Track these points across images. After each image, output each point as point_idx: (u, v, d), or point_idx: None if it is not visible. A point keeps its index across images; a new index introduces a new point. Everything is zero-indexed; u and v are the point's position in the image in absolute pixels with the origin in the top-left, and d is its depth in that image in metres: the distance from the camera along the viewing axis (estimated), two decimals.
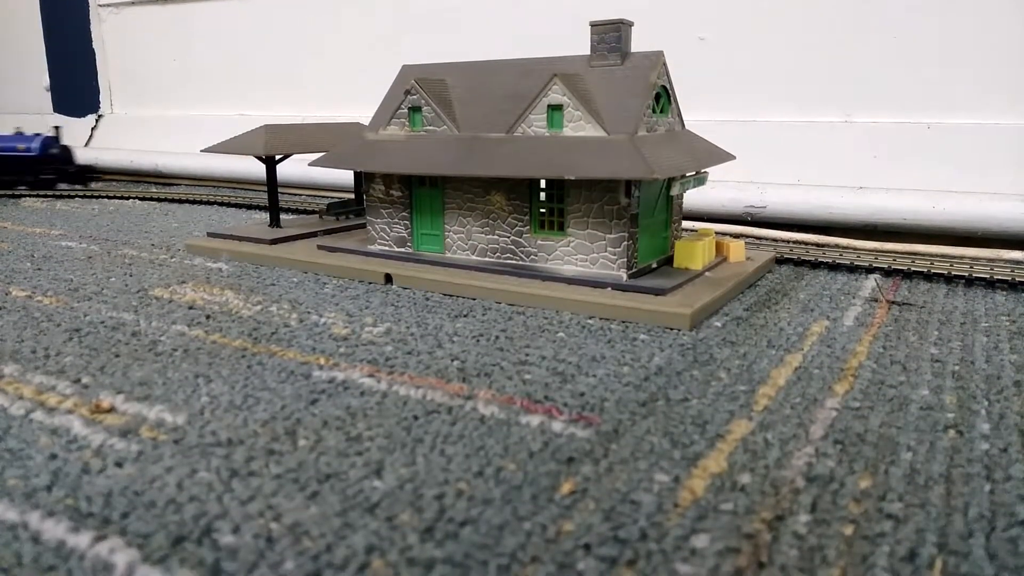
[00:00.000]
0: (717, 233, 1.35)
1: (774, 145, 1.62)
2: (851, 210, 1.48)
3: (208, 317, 0.98)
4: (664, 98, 1.10)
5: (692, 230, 1.30)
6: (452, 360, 0.82)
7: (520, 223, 1.12)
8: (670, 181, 1.09)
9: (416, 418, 0.67)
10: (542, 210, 1.10)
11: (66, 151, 2.46)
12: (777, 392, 0.73)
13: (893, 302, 1.06)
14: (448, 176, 1.15)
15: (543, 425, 0.66)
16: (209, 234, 1.45)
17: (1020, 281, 1.12)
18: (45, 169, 2.35)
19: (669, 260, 1.16)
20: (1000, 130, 1.41)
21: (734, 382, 0.76)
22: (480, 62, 1.22)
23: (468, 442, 0.62)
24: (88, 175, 2.54)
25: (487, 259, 1.15)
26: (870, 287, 1.14)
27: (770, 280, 1.19)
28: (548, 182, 1.09)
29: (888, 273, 1.22)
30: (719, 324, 0.96)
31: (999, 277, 1.14)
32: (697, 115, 1.63)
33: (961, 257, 1.30)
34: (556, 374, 0.78)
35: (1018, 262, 1.27)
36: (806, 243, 1.46)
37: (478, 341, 0.88)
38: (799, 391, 0.74)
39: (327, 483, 0.56)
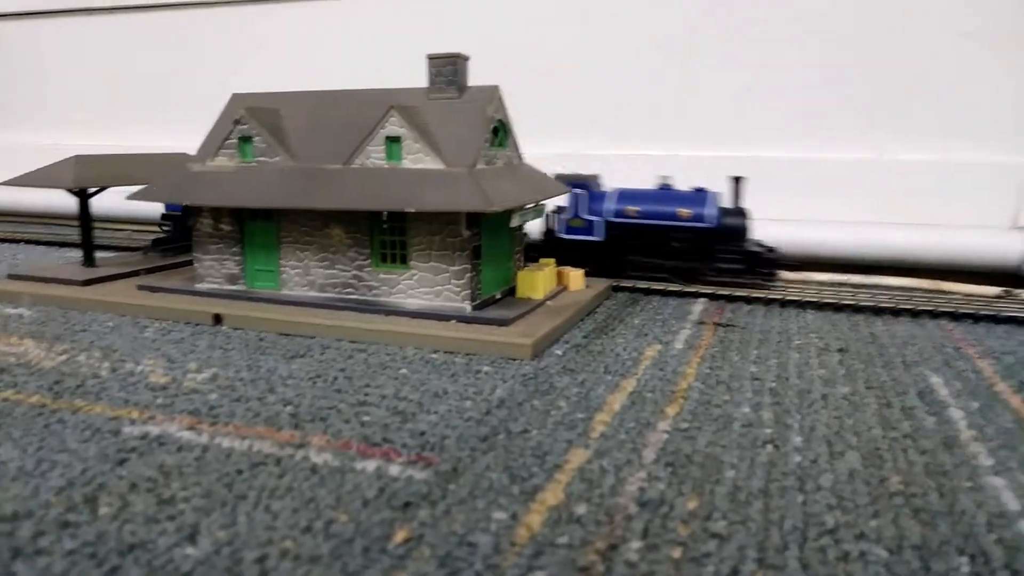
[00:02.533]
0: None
1: (608, 176, 1.69)
2: None
3: (1, 371, 0.87)
4: (502, 131, 1.12)
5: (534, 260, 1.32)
6: (284, 406, 0.77)
7: (361, 256, 1.09)
8: (510, 213, 1.10)
9: (240, 472, 0.62)
10: (383, 242, 1.08)
11: None
12: (613, 418, 0.75)
13: (719, 324, 1.13)
14: (283, 209, 1.10)
15: (380, 470, 0.63)
16: (10, 276, 1.29)
17: (827, 302, 1.23)
18: None
19: (512, 291, 1.17)
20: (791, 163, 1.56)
21: (573, 410, 0.77)
22: (316, 92, 1.19)
23: (297, 495, 0.58)
24: None
25: (327, 295, 1.11)
26: (698, 311, 1.21)
27: (608, 307, 1.23)
28: (389, 214, 1.06)
29: (713, 297, 1.30)
30: (560, 352, 0.97)
31: (808, 299, 1.24)
32: (540, 149, 1.67)
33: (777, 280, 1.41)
34: (396, 413, 0.75)
35: (824, 284, 1.39)
36: None
37: (314, 383, 0.84)
38: (633, 416, 0.76)
39: (130, 555, 0.50)
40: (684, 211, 1.31)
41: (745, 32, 1.55)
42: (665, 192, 1.36)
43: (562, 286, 1.24)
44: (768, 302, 1.26)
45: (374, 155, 1.06)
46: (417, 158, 1.03)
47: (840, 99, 1.51)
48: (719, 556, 0.51)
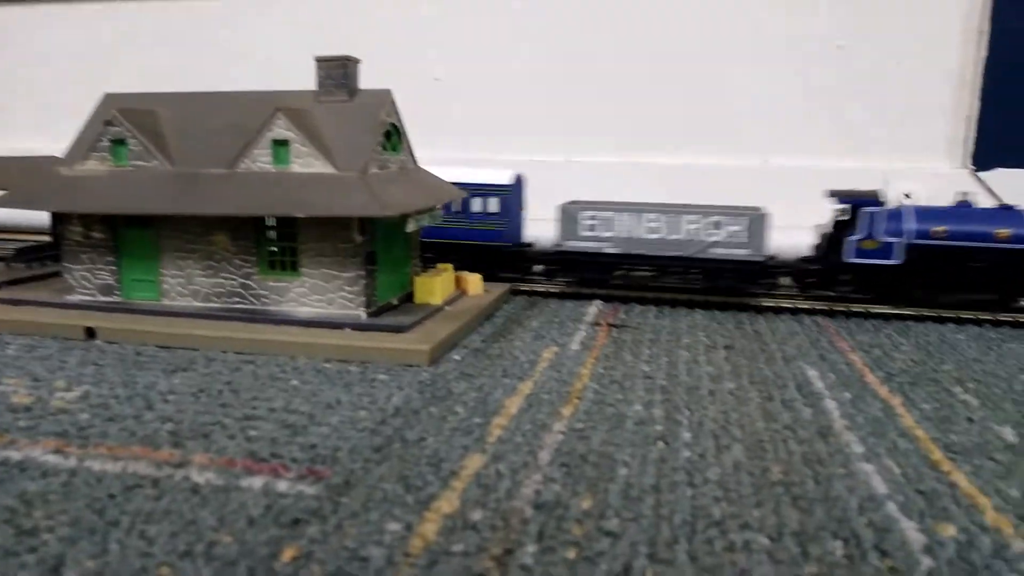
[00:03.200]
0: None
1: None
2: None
3: None
4: (395, 135, 1.10)
5: (432, 265, 1.31)
6: (164, 423, 0.73)
7: (248, 264, 1.04)
8: (405, 217, 1.09)
9: (112, 497, 0.58)
10: (272, 250, 1.04)
11: None
12: (510, 421, 0.75)
13: (613, 324, 1.15)
14: (163, 216, 1.04)
15: (267, 486, 0.60)
16: None
17: (713, 301, 1.28)
18: None
19: (410, 296, 1.15)
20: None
21: (470, 415, 0.76)
22: (198, 93, 1.13)
23: (176, 517, 0.55)
24: None
25: (211, 304, 1.05)
26: (593, 312, 1.23)
27: (506, 310, 1.24)
28: (277, 220, 1.03)
29: (608, 299, 1.33)
30: (458, 358, 0.97)
31: (696, 298, 1.29)
32: (436, 153, 1.66)
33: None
34: (286, 427, 0.73)
35: None
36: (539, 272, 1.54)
37: (197, 398, 0.80)
38: (530, 418, 0.76)
39: None
40: (1003, 231, 1.19)
41: (640, 40, 1.60)
42: (969, 210, 1.24)
43: (461, 290, 1.23)
44: (659, 302, 1.30)
45: (260, 159, 1.02)
46: (306, 162, 1.00)
47: (726, 111, 1.58)
48: (612, 554, 0.51)
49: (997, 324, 1.18)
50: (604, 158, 1.65)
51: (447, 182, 1.23)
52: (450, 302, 1.16)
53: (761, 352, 1.02)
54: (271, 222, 1.03)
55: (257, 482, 0.61)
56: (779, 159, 1.56)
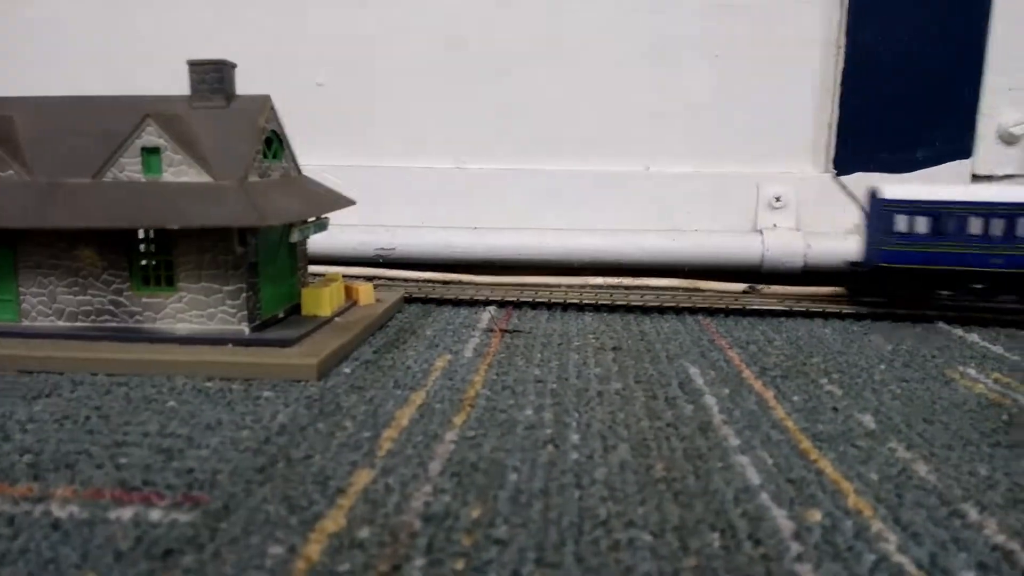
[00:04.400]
0: (348, 277, 1.35)
1: (400, 189, 1.68)
2: (470, 248, 1.60)
3: None
4: (276, 143, 1.07)
5: (320, 275, 1.28)
6: (22, 455, 0.67)
7: (118, 280, 0.98)
8: (289, 227, 1.05)
9: None
10: (145, 264, 0.98)
11: None
12: (401, 433, 0.74)
13: (506, 330, 1.16)
14: (20, 229, 0.96)
15: (138, 516, 0.57)
16: None
17: (603, 303, 1.32)
18: None
19: (298, 308, 1.12)
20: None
21: (359, 430, 0.75)
22: (59, 97, 1.06)
23: (34, 556, 0.51)
24: None
25: (79, 324, 0.99)
26: (486, 318, 1.24)
27: (400, 320, 1.23)
28: (151, 233, 0.97)
29: (502, 304, 1.34)
30: (348, 370, 0.95)
31: (586, 301, 1.32)
32: (320, 160, 1.63)
33: (558, 285, 1.49)
34: (161, 452, 0.69)
35: (600, 287, 1.49)
36: (433, 281, 1.54)
37: (61, 425, 0.74)
38: (421, 429, 0.75)
39: None
40: None
41: (528, 44, 1.62)
42: None
43: (352, 301, 1.21)
44: (551, 306, 1.32)
45: (129, 168, 0.96)
46: (179, 171, 0.95)
47: (611, 116, 1.62)
48: (500, 562, 0.52)
49: (859, 318, 1.27)
50: (496, 164, 1.67)
51: (335, 191, 1.20)
52: (340, 313, 1.13)
53: (647, 352, 1.05)
54: (144, 235, 0.97)
55: (127, 513, 0.57)
56: (659, 166, 1.62)
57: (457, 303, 1.35)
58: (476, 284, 1.50)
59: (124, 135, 0.96)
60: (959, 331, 1.21)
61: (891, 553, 0.53)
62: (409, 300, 1.35)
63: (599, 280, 1.51)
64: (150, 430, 0.74)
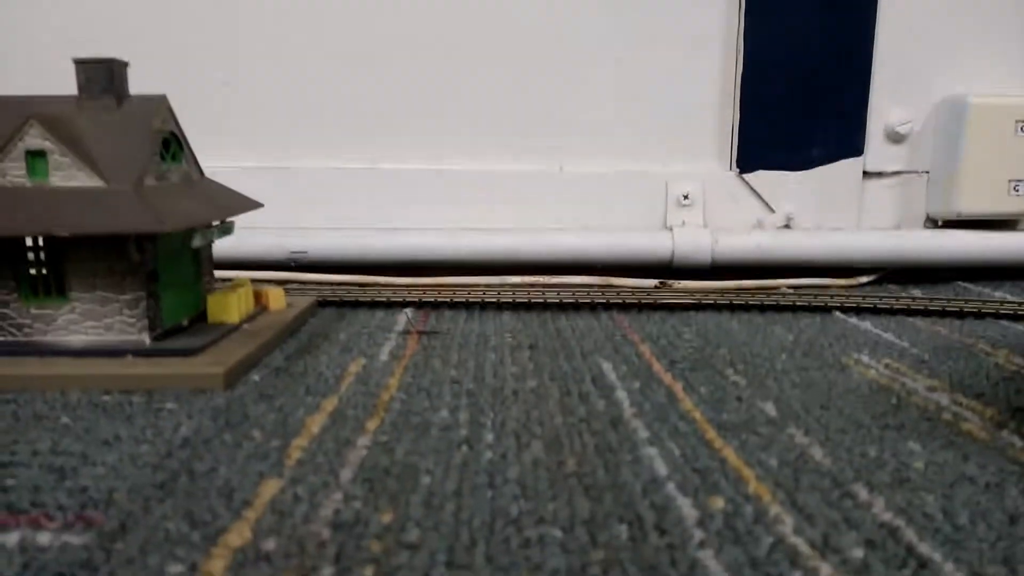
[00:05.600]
0: (259, 281, 1.31)
1: (313, 190, 1.65)
2: (386, 249, 1.58)
3: None
4: (174, 145, 1.02)
5: (228, 280, 1.23)
6: None
7: (4, 291, 0.92)
8: (191, 232, 1.02)
9: None
10: (33, 273, 0.93)
11: None
12: (311, 441, 0.73)
13: (422, 332, 1.15)
14: None
15: (24, 541, 0.53)
16: None
17: (520, 302, 1.33)
18: None
19: (204, 316, 1.08)
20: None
21: (267, 439, 0.73)
22: None
23: None
24: None
25: None
26: (403, 320, 1.23)
27: (313, 324, 1.20)
28: (39, 240, 0.92)
29: (420, 305, 1.33)
30: (257, 378, 0.92)
31: (504, 300, 1.33)
32: (225, 162, 1.58)
33: (476, 285, 1.49)
34: (52, 471, 0.65)
35: (517, 285, 1.50)
36: (349, 284, 1.51)
37: None
38: (332, 435, 0.74)
39: None
40: None
41: (444, 46, 1.61)
42: None
43: (261, 306, 1.17)
44: (469, 306, 1.32)
45: (12, 172, 0.90)
46: (68, 175, 0.90)
47: (524, 118, 1.63)
48: (410, 566, 0.51)
49: (763, 310, 1.33)
50: (411, 165, 1.65)
51: (241, 194, 1.16)
52: (249, 319, 1.10)
53: (562, 349, 1.07)
54: (32, 242, 0.92)
55: (12, 538, 0.54)
56: (573, 166, 1.65)
57: (373, 305, 1.33)
58: (393, 286, 1.48)
59: (5, 138, 0.90)
60: (854, 319, 1.28)
61: (787, 535, 0.55)
62: (323, 304, 1.33)
63: (516, 279, 1.52)
64: (40, 448, 0.70)
